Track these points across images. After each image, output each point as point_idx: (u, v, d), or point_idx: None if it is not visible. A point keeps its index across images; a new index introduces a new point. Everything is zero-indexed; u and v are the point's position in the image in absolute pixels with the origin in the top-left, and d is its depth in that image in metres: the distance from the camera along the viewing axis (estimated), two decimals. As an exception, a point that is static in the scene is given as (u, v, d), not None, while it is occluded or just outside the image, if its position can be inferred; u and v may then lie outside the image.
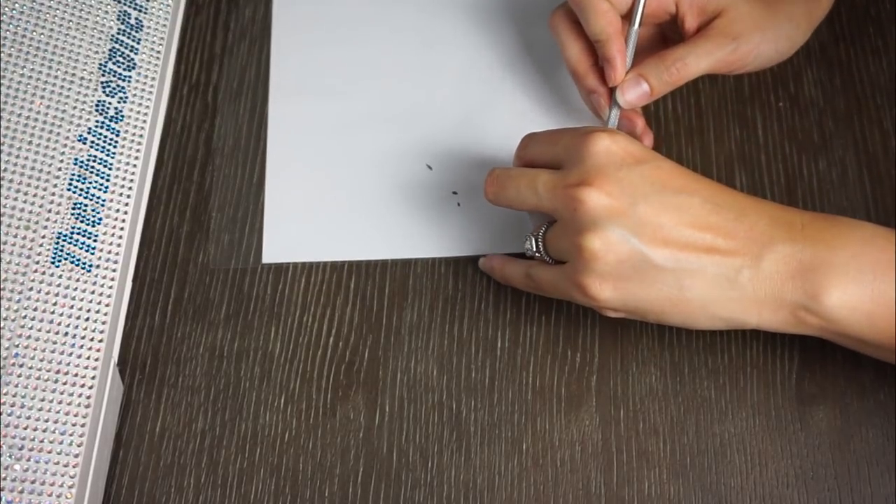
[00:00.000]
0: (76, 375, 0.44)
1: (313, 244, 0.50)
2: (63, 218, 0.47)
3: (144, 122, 0.51)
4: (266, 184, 0.52)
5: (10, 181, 0.46)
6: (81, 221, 0.47)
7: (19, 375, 0.43)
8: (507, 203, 0.44)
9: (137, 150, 0.50)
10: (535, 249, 0.44)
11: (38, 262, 0.45)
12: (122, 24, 0.52)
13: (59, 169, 0.48)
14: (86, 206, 0.47)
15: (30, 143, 0.47)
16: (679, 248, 0.39)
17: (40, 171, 0.47)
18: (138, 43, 0.52)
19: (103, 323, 0.46)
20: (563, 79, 0.53)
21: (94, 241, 0.47)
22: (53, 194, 0.47)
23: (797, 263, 0.39)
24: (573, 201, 0.40)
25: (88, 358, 0.45)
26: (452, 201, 0.51)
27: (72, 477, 0.42)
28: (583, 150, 0.41)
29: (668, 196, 0.40)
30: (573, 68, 0.48)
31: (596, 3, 0.45)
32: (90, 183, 0.48)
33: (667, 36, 0.50)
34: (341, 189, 0.51)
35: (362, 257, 0.50)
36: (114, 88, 0.51)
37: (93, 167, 0.48)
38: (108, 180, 0.49)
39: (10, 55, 0.49)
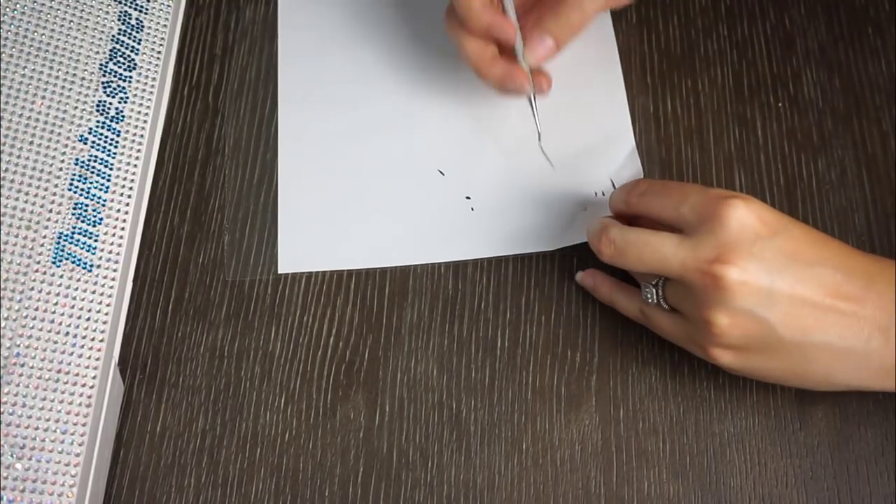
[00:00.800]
0: (77, 375, 0.44)
1: (329, 253, 0.50)
2: (64, 218, 0.47)
3: (145, 122, 0.51)
4: (279, 194, 0.51)
5: (12, 181, 0.47)
6: (82, 221, 0.47)
7: (20, 375, 0.43)
8: (626, 267, 0.43)
9: (138, 151, 0.50)
10: (654, 300, 0.43)
11: (38, 262, 0.45)
12: (123, 24, 0.52)
13: (60, 169, 0.48)
14: (87, 206, 0.48)
15: (31, 143, 0.48)
16: (809, 323, 0.39)
17: (41, 171, 0.47)
18: (139, 43, 0.52)
19: (104, 323, 0.46)
20: (573, 78, 0.53)
21: (95, 241, 0.47)
22: (54, 194, 0.47)
23: None
24: (707, 277, 0.39)
25: (89, 358, 0.45)
26: (466, 206, 0.51)
27: (73, 476, 0.42)
28: (716, 218, 0.39)
29: (802, 269, 0.39)
30: (474, 64, 0.47)
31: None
32: (91, 183, 0.48)
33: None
34: (355, 197, 0.51)
35: (379, 265, 0.50)
36: (114, 89, 0.51)
37: (94, 167, 0.48)
38: (108, 180, 0.49)
39: (11, 55, 0.49)
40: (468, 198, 0.51)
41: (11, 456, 0.42)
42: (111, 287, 0.47)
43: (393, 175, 0.52)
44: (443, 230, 0.50)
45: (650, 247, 0.41)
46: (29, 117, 0.48)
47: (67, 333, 0.45)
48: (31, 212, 0.46)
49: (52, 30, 0.50)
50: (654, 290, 0.43)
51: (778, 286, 0.38)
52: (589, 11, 0.46)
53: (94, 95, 0.50)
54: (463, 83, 0.54)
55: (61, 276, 0.46)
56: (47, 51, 0.50)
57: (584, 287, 0.48)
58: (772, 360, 0.40)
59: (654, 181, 0.44)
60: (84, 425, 0.43)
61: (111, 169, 0.49)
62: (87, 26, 0.51)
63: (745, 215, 0.39)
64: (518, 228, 0.50)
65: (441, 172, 0.52)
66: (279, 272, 0.50)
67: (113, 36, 0.52)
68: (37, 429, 0.43)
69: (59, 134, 0.48)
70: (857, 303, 0.39)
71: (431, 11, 0.56)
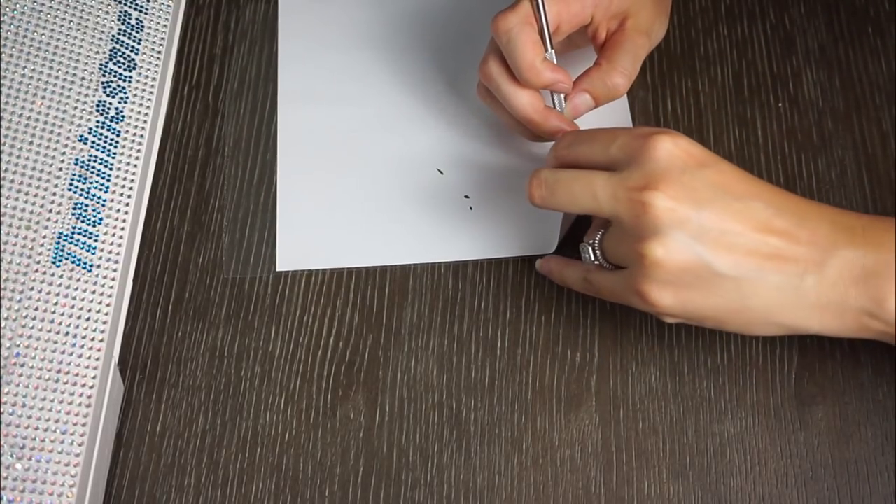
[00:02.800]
0: (77, 375, 0.44)
1: (327, 252, 0.50)
2: (64, 218, 0.47)
3: (145, 122, 0.51)
4: (278, 192, 0.52)
5: (12, 181, 0.47)
6: (82, 221, 0.47)
7: (20, 375, 0.43)
8: (557, 207, 0.43)
9: (138, 151, 0.50)
10: (592, 258, 0.43)
11: (38, 262, 0.45)
12: (123, 24, 0.52)
13: (60, 169, 0.48)
14: (86, 206, 0.48)
15: (31, 143, 0.48)
16: (742, 255, 0.39)
17: (41, 171, 0.47)
18: (139, 43, 0.52)
19: (104, 323, 0.46)
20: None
21: (95, 241, 0.47)
22: (54, 194, 0.47)
23: (860, 269, 0.38)
24: (637, 206, 0.39)
25: (89, 358, 0.45)
26: (465, 205, 0.51)
27: (73, 476, 0.42)
28: (644, 151, 0.39)
29: (731, 201, 0.39)
30: (530, 117, 0.47)
31: (524, 42, 0.45)
32: (91, 183, 0.48)
33: (572, 40, 0.51)
34: (354, 196, 0.51)
35: (376, 263, 0.50)
36: (114, 89, 0.51)
37: (93, 167, 0.48)
38: (108, 180, 0.49)
39: (11, 55, 0.49)
40: (467, 196, 0.51)
41: (11, 456, 0.42)
42: (111, 287, 0.47)
43: (392, 174, 0.52)
44: (441, 230, 0.50)
45: (580, 181, 0.41)
46: (29, 117, 0.48)
47: (67, 333, 0.45)
48: (31, 212, 0.46)
49: (52, 30, 0.50)
50: (590, 248, 0.43)
51: (706, 216, 0.38)
52: (632, 77, 0.48)
53: (94, 95, 0.50)
54: (461, 82, 0.54)
55: (61, 276, 0.46)
56: (47, 51, 0.50)
57: (543, 273, 0.49)
58: (709, 297, 0.39)
59: (580, 131, 0.45)
60: (84, 425, 0.43)
61: (111, 169, 0.49)
62: (87, 26, 0.51)
63: (672, 147, 0.39)
64: (517, 229, 0.50)
65: (440, 171, 0.52)
66: (277, 270, 0.50)
67: (113, 36, 0.52)
68: (36, 429, 0.43)
69: (59, 134, 0.48)
70: (789, 239, 0.39)
71: (431, 12, 0.56)
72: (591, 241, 0.43)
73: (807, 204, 0.40)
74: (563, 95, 0.47)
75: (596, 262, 0.43)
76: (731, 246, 0.38)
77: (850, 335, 0.40)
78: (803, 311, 0.39)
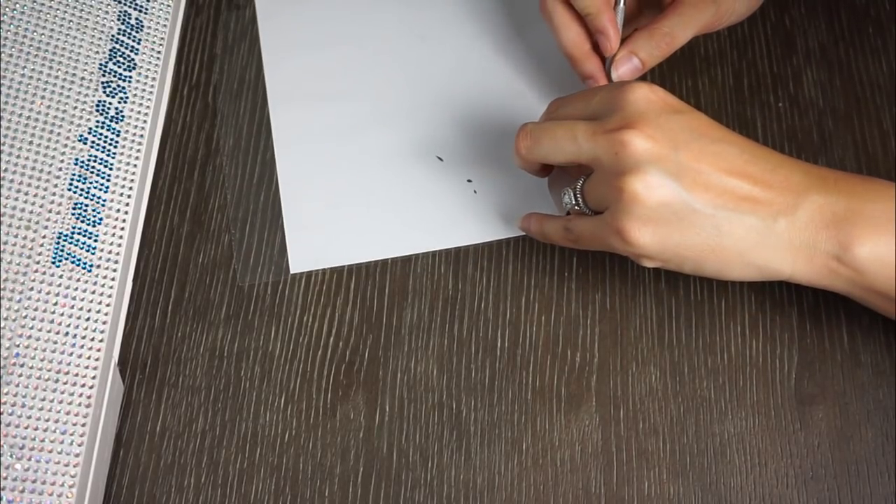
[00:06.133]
0: (77, 375, 0.44)
1: (338, 250, 0.50)
2: (63, 218, 0.47)
3: (145, 122, 0.51)
4: (281, 196, 0.52)
5: (11, 181, 0.47)
6: (82, 221, 0.47)
7: (20, 375, 0.43)
8: (543, 156, 0.44)
9: (138, 151, 0.50)
10: (573, 202, 0.44)
11: (38, 262, 0.45)
12: (123, 24, 0.52)
13: (60, 169, 0.48)
14: (86, 206, 0.48)
15: (30, 143, 0.48)
16: (718, 194, 0.40)
17: (41, 171, 0.47)
18: (139, 43, 0.52)
19: (104, 323, 0.46)
20: (558, 54, 0.53)
21: (95, 241, 0.47)
22: (54, 194, 0.47)
23: (831, 214, 0.40)
24: (615, 144, 0.40)
25: (89, 358, 0.45)
26: (468, 189, 0.51)
27: (72, 476, 0.42)
28: (621, 98, 0.41)
29: (707, 144, 0.40)
30: (570, 53, 0.49)
31: None
32: (91, 183, 0.48)
33: (642, 6, 0.51)
34: (357, 191, 0.52)
35: (387, 256, 0.50)
36: (114, 89, 0.51)
37: (93, 167, 0.48)
38: (108, 180, 0.49)
39: (10, 55, 0.49)
40: (469, 181, 0.51)
41: (11, 456, 0.42)
42: (111, 287, 0.47)
43: (392, 166, 0.52)
44: (448, 215, 0.51)
45: (562, 128, 0.43)
46: (29, 117, 0.48)
47: (67, 333, 0.45)
48: (31, 212, 0.46)
49: (52, 30, 0.50)
50: (571, 192, 0.44)
51: (683, 155, 0.40)
52: (679, 40, 0.48)
53: (94, 95, 0.50)
54: (453, 68, 0.54)
55: (61, 276, 0.46)
56: (47, 51, 0.50)
57: (524, 231, 0.49)
58: (686, 234, 0.40)
59: (566, 95, 0.46)
60: (84, 425, 0.43)
61: (111, 169, 0.49)
62: (86, 26, 0.51)
63: (648, 93, 0.41)
64: (522, 206, 0.50)
65: (440, 158, 0.52)
66: (291, 272, 0.50)
67: (113, 36, 0.52)
68: (36, 429, 0.43)
69: (59, 134, 0.48)
70: (763, 185, 0.40)
71: (409, 1, 0.56)
72: (572, 187, 0.44)
73: (780, 155, 0.42)
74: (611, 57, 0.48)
75: (577, 207, 0.44)
76: (708, 185, 0.40)
77: (821, 282, 0.41)
78: (776, 251, 0.41)
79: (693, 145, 0.40)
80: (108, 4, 0.52)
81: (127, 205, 0.49)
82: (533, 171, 0.47)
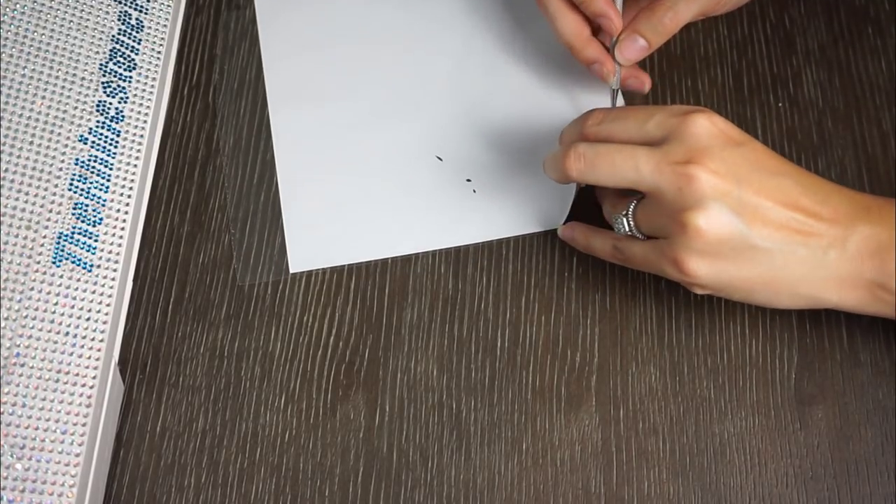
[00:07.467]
0: (77, 375, 0.44)
1: (337, 249, 0.50)
2: (64, 218, 0.47)
3: (145, 122, 0.51)
4: (281, 195, 0.52)
5: (12, 181, 0.47)
6: (82, 221, 0.47)
7: (20, 375, 0.43)
8: (595, 179, 0.43)
9: (138, 151, 0.50)
10: (626, 229, 0.44)
11: (38, 262, 0.45)
12: (123, 24, 0.52)
13: (60, 169, 0.48)
14: (87, 206, 0.48)
15: (31, 143, 0.48)
16: (776, 228, 0.41)
17: (41, 171, 0.47)
18: (139, 43, 0.52)
19: (104, 323, 0.46)
20: (557, 51, 0.53)
21: (95, 241, 0.47)
22: (54, 194, 0.47)
23: (876, 244, 0.41)
24: (681, 178, 0.40)
25: (89, 358, 0.45)
26: (468, 189, 0.51)
27: (73, 476, 0.42)
28: (683, 129, 0.41)
29: (766, 177, 0.41)
30: (569, 42, 0.49)
31: None
32: (91, 183, 0.48)
33: None
34: (357, 191, 0.52)
35: (387, 255, 0.50)
36: (114, 89, 0.51)
37: (94, 167, 0.48)
38: (108, 180, 0.49)
39: (11, 55, 0.49)
40: (469, 180, 0.51)
41: (11, 456, 0.42)
42: (111, 287, 0.47)
43: (392, 165, 0.52)
44: (448, 215, 0.51)
45: (622, 154, 0.42)
46: (29, 117, 0.48)
47: (67, 333, 0.45)
48: (31, 212, 0.46)
49: (52, 30, 0.50)
50: (624, 219, 0.44)
51: (745, 190, 0.40)
52: (683, 16, 0.47)
53: (94, 95, 0.50)
54: (452, 68, 0.54)
55: (61, 276, 0.46)
56: (47, 51, 0.50)
57: (565, 240, 0.49)
58: (742, 268, 0.41)
59: (609, 109, 0.45)
60: (84, 425, 0.43)
61: (111, 169, 0.49)
62: (87, 26, 0.51)
63: (709, 125, 0.41)
64: (522, 206, 0.50)
65: (439, 158, 0.52)
66: (291, 272, 0.50)
67: (113, 36, 0.52)
68: (37, 429, 0.43)
69: (59, 134, 0.48)
70: (815, 216, 0.41)
71: (408, 2, 0.56)
72: (623, 213, 0.44)
73: (828, 184, 0.42)
74: (615, 40, 0.48)
75: (629, 233, 0.44)
76: (766, 219, 0.40)
77: (866, 309, 0.42)
78: (825, 282, 0.41)
79: (753, 178, 0.41)
80: (109, 5, 0.52)
81: (127, 205, 0.49)
82: (565, 183, 0.46)
